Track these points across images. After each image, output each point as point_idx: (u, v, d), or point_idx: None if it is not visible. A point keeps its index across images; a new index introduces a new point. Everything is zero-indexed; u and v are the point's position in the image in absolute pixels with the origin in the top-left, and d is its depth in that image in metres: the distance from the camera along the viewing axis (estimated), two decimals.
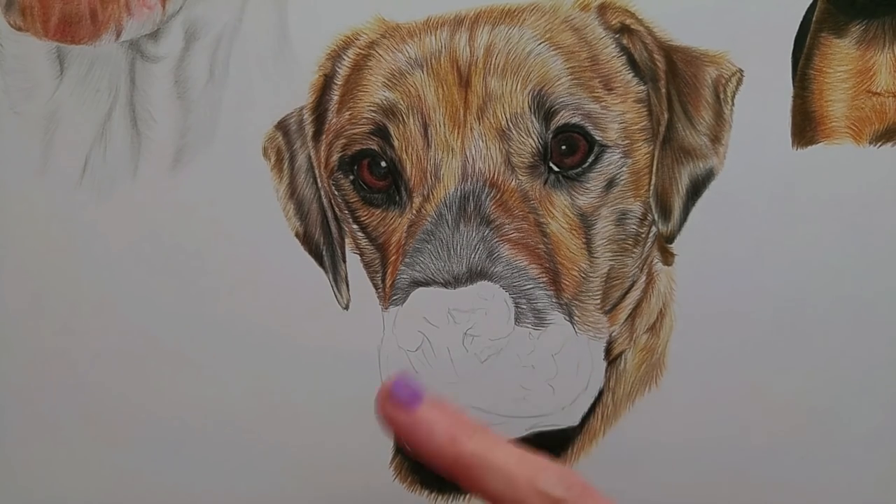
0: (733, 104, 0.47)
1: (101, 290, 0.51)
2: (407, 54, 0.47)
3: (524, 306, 0.44)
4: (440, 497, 0.50)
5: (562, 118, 0.45)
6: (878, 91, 0.47)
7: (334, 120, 0.49)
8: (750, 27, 0.46)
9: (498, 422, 0.46)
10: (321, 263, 0.50)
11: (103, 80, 0.50)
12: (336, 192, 0.49)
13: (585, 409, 0.47)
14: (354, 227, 0.49)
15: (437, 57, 0.46)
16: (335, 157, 0.49)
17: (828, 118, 0.47)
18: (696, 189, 0.47)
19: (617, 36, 0.47)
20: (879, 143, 0.47)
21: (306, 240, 0.50)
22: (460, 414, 0.28)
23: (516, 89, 0.45)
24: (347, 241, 0.50)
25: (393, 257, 0.47)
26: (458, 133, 0.46)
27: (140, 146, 0.50)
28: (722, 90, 0.47)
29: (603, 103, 0.46)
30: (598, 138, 0.46)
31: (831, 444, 0.48)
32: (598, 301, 0.47)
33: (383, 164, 0.47)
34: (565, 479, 0.27)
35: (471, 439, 0.27)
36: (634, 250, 0.48)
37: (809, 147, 0.47)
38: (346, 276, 0.49)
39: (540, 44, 0.46)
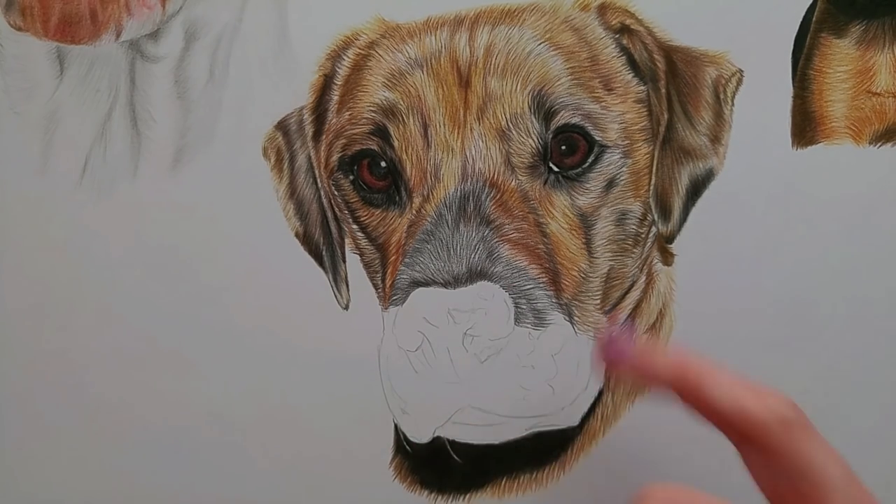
0: (733, 104, 0.47)
1: (100, 290, 0.51)
2: (407, 54, 0.47)
3: (524, 306, 0.44)
4: (440, 497, 0.50)
5: (562, 118, 0.45)
6: (878, 91, 0.47)
7: (334, 120, 0.49)
8: (750, 27, 0.46)
9: (498, 422, 0.46)
10: (321, 263, 0.50)
11: (103, 80, 0.50)
12: (336, 192, 0.49)
13: (585, 409, 0.47)
14: (354, 227, 0.49)
15: (437, 57, 0.46)
16: (335, 157, 0.49)
17: (828, 118, 0.47)
18: (696, 189, 0.47)
19: (617, 36, 0.47)
20: (879, 144, 0.47)
21: (306, 240, 0.50)
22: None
23: (516, 89, 0.45)
24: (347, 241, 0.50)
25: (393, 257, 0.47)
26: (458, 133, 0.46)
27: (140, 146, 0.50)
28: (722, 90, 0.47)
29: (603, 103, 0.46)
30: (598, 138, 0.46)
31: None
32: (598, 301, 0.47)
33: (383, 164, 0.47)
34: (790, 403, 0.29)
35: (695, 363, 0.30)
36: (634, 250, 0.48)
37: (809, 147, 0.47)
38: (346, 276, 0.49)
39: (540, 44, 0.46)
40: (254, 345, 0.50)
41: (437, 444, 0.48)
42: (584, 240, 0.46)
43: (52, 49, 0.51)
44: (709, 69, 0.47)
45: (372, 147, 0.47)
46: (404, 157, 0.46)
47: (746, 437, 0.28)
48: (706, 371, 0.29)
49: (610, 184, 0.46)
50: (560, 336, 0.45)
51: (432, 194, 0.46)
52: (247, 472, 0.51)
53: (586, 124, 0.45)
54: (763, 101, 0.46)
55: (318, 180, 0.50)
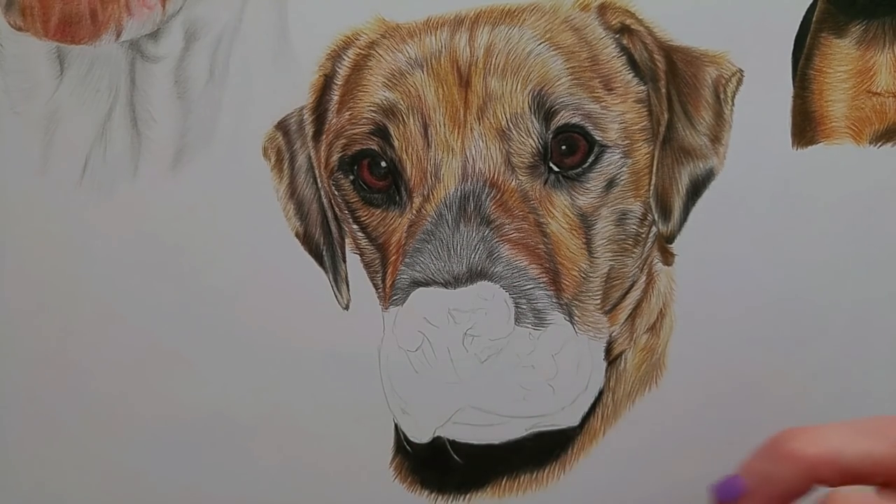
0: (733, 104, 0.47)
1: (101, 290, 0.51)
2: (407, 54, 0.47)
3: (524, 306, 0.44)
4: (440, 497, 0.50)
5: (562, 118, 0.45)
6: (878, 91, 0.47)
7: (334, 120, 0.49)
8: (750, 27, 0.46)
9: (498, 422, 0.46)
10: (321, 263, 0.50)
11: (103, 80, 0.50)
12: (336, 192, 0.49)
13: (585, 409, 0.47)
14: (354, 227, 0.49)
15: (437, 57, 0.46)
16: (335, 157, 0.49)
17: (828, 118, 0.47)
18: (696, 189, 0.47)
19: (617, 36, 0.47)
20: (879, 143, 0.47)
21: (306, 240, 0.50)
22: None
23: (516, 89, 0.45)
24: (347, 241, 0.50)
25: (393, 257, 0.47)
26: (458, 133, 0.46)
27: (140, 146, 0.50)
28: (722, 90, 0.47)
29: (603, 103, 0.46)
30: (598, 138, 0.46)
31: None
32: (598, 301, 0.47)
33: (383, 164, 0.47)
34: None
35: (798, 442, 0.28)
36: (634, 250, 0.48)
37: (809, 147, 0.47)
38: (346, 276, 0.49)
39: (540, 44, 0.46)
40: (254, 344, 0.50)
41: (437, 443, 0.48)
42: (584, 240, 0.46)
43: (52, 49, 0.50)
44: (709, 69, 0.47)
45: (372, 147, 0.47)
46: (404, 156, 0.46)
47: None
48: (826, 449, 0.28)
49: (610, 184, 0.46)
50: (560, 336, 0.45)
51: (432, 194, 0.46)
52: (247, 471, 0.51)
53: (586, 124, 0.45)
54: (763, 101, 0.46)
55: (319, 180, 0.50)
